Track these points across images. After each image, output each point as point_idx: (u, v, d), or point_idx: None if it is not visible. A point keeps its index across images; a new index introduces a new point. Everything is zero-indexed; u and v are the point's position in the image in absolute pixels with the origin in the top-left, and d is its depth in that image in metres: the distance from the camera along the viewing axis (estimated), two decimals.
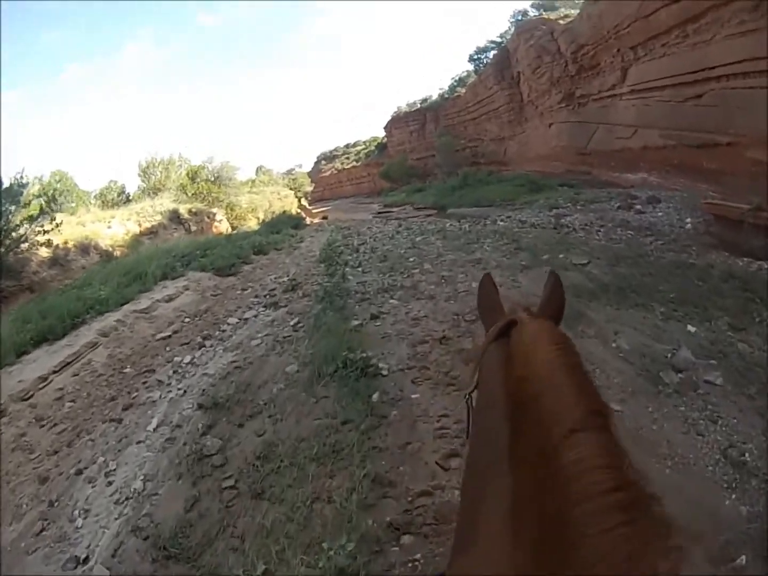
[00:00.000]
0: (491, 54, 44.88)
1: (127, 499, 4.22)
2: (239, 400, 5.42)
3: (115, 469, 4.75)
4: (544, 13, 35.12)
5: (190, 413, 5.52)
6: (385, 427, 4.41)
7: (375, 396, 4.90)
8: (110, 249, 20.97)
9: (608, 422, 0.67)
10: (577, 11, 27.85)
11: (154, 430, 5.39)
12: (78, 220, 21.71)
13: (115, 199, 33.45)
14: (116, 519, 4.01)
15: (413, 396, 4.90)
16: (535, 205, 19.84)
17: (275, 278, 12.62)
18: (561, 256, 10.17)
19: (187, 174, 31.09)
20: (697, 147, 16.37)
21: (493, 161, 40.31)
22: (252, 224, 30.50)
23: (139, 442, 5.18)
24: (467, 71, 51.31)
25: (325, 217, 40.44)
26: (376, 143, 73.43)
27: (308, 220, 35.92)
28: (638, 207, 15.61)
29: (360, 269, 11.75)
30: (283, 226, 24.48)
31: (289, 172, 56.20)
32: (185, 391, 6.23)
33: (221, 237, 19.90)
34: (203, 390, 6.02)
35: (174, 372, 7.16)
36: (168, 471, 4.45)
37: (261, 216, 32.64)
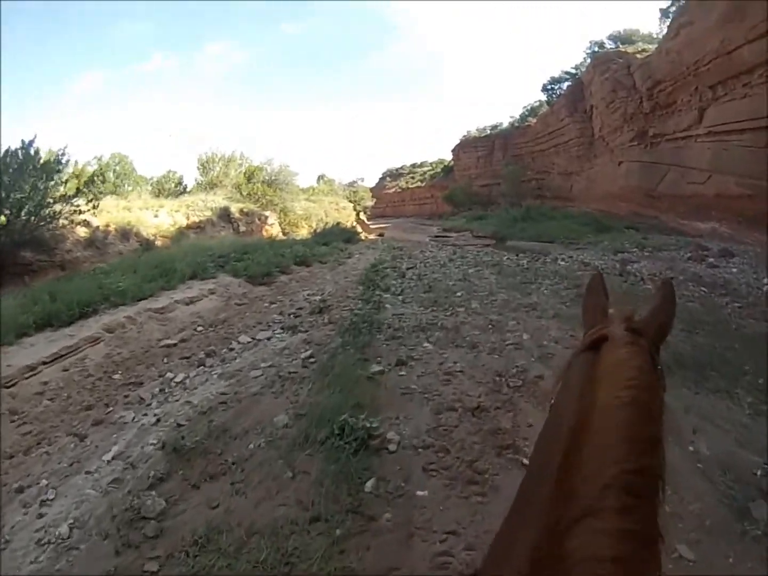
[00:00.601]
0: (565, 85, 43.49)
1: (48, 543, 3.50)
2: (206, 450, 4.31)
3: (52, 499, 4.07)
4: (621, 46, 33.59)
5: (150, 452, 4.53)
6: (369, 537, 3.11)
7: (369, 484, 3.64)
8: (152, 238, 20.56)
9: (635, 502, 0.60)
10: (655, 46, 26.45)
11: (108, 462, 4.53)
12: (125, 205, 21.51)
13: (172, 189, 33.50)
14: (30, 564, 3.33)
15: (419, 493, 3.56)
16: (599, 246, 18.53)
17: (308, 295, 11.67)
18: None
19: (245, 173, 30.78)
20: None
21: (559, 196, 38.68)
22: (304, 232, 29.85)
23: (87, 473, 4.38)
24: (539, 101, 49.72)
25: (381, 234, 39.65)
26: (442, 166, 72.06)
27: (363, 236, 35.20)
28: (711, 260, 14.11)
29: (400, 298, 10.60)
30: (333, 238, 23.64)
31: (351, 184, 54.97)
32: (159, 419, 5.27)
33: (267, 241, 19.07)
34: (177, 424, 4.99)
35: (160, 390, 6.34)
36: (99, 523, 3.55)
37: (315, 225, 31.91)
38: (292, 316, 9.62)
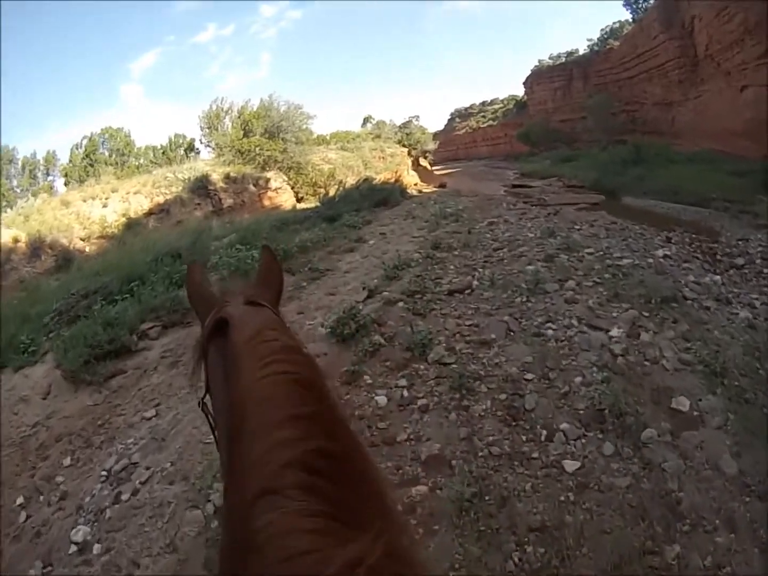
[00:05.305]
0: None
1: None
2: None
3: None
4: None
5: None
6: None
7: None
8: (80, 245, 14.41)
9: (316, 481, 0.57)
10: None
11: None
12: (64, 199, 17.26)
13: (182, 156, 27.68)
14: None
15: None
16: None
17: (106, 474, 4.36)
18: None
19: (240, 125, 22.97)
20: None
21: (656, 131, 32.16)
22: (331, 192, 21.69)
23: None
24: (619, 21, 44.32)
25: (442, 185, 31.04)
26: (514, 102, 66.45)
27: (416, 189, 27.21)
28: None
29: None
30: (350, 206, 14.82)
31: (405, 125, 44.58)
32: None
33: (193, 232, 11.23)
34: None
35: None
36: None
37: (352, 181, 23.22)
38: None
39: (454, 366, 4.66)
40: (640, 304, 5.72)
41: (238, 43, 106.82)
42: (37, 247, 13.62)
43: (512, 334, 5.21)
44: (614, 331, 5.02)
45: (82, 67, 79.15)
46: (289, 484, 0.54)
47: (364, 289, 6.97)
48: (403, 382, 4.57)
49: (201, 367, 0.96)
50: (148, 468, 4.13)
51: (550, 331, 5.16)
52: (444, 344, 5.11)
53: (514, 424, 3.79)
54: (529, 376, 4.39)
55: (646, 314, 5.52)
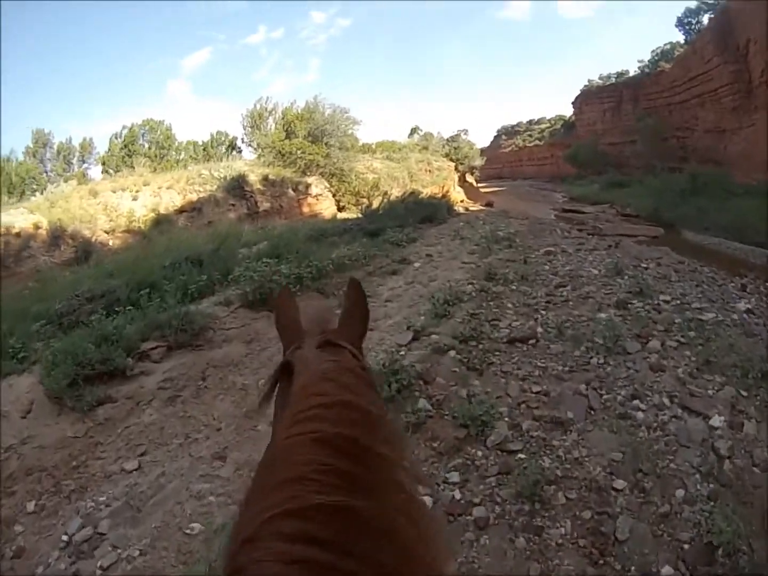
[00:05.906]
0: (706, 18, 34.94)
1: None
2: None
3: None
4: None
5: None
6: None
7: None
8: (103, 237, 13.89)
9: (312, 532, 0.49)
10: None
11: None
12: (92, 188, 16.59)
13: (222, 153, 27.15)
14: None
15: None
16: None
17: None
18: None
19: (283, 125, 22.37)
20: None
21: (708, 159, 29.64)
22: (375, 204, 21.01)
23: None
24: (671, 43, 42.09)
25: (489, 204, 30.43)
26: (562, 122, 65.12)
27: (463, 206, 26.59)
28: None
29: None
30: (394, 220, 14.15)
31: (453, 139, 43.16)
32: None
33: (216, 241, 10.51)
34: None
35: None
36: None
37: (397, 193, 22.64)
38: None
39: (521, 456, 3.68)
40: (736, 378, 4.67)
41: (288, 47, 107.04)
42: (57, 236, 13.11)
43: (593, 413, 4.19)
44: (715, 420, 4.00)
45: (133, 58, 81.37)
46: (261, 555, 0.46)
47: (408, 328, 6.05)
48: (454, 476, 3.57)
49: (266, 405, 0.85)
50: (114, 547, 3.29)
51: (639, 413, 4.15)
52: (507, 419, 4.15)
53: (602, 561, 2.80)
54: (618, 483, 3.36)
55: (744, 393, 4.47)
